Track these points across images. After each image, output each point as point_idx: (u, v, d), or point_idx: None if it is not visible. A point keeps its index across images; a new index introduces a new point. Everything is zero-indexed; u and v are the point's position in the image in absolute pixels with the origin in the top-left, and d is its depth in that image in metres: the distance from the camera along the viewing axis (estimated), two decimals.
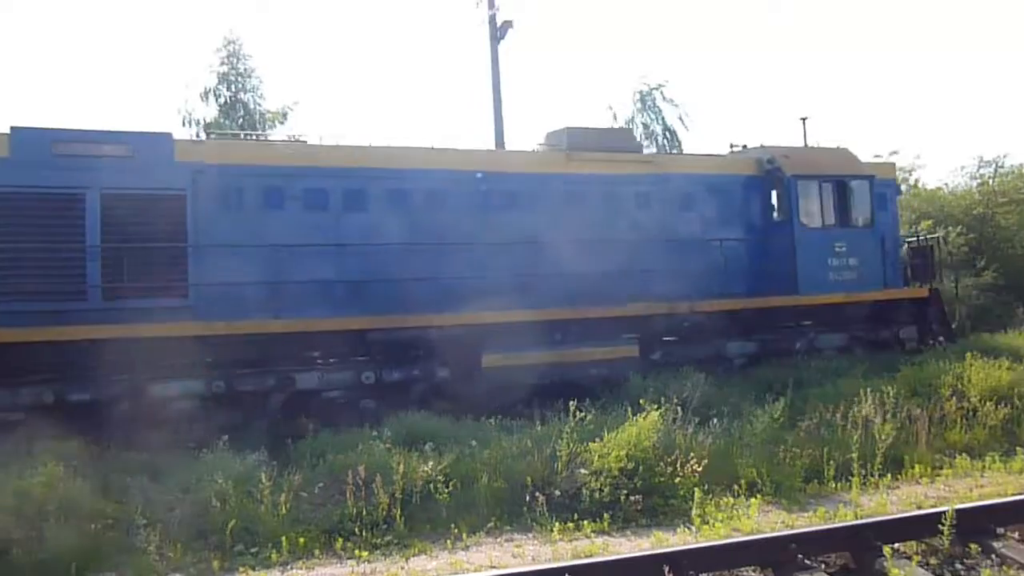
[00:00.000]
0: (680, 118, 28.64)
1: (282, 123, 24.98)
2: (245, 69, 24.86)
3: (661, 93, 28.65)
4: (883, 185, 14.97)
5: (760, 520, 7.06)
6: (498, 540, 6.90)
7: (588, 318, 12.05)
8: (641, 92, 28.62)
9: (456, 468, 7.75)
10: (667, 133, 28.52)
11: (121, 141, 10.65)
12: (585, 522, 7.08)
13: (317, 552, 6.59)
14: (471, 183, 12.29)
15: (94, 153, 10.36)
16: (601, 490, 7.37)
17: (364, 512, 7.01)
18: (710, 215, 13.84)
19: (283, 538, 6.57)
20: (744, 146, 15.19)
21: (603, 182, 13.13)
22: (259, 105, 24.99)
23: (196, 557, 6.45)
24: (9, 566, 6.09)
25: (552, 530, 6.92)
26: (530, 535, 6.99)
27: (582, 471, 7.62)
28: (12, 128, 10.11)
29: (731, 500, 7.43)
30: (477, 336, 11.45)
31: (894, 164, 16.20)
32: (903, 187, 22.96)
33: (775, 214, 14.29)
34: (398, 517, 7.02)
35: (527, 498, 7.39)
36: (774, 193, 14.29)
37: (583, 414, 8.41)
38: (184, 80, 32.19)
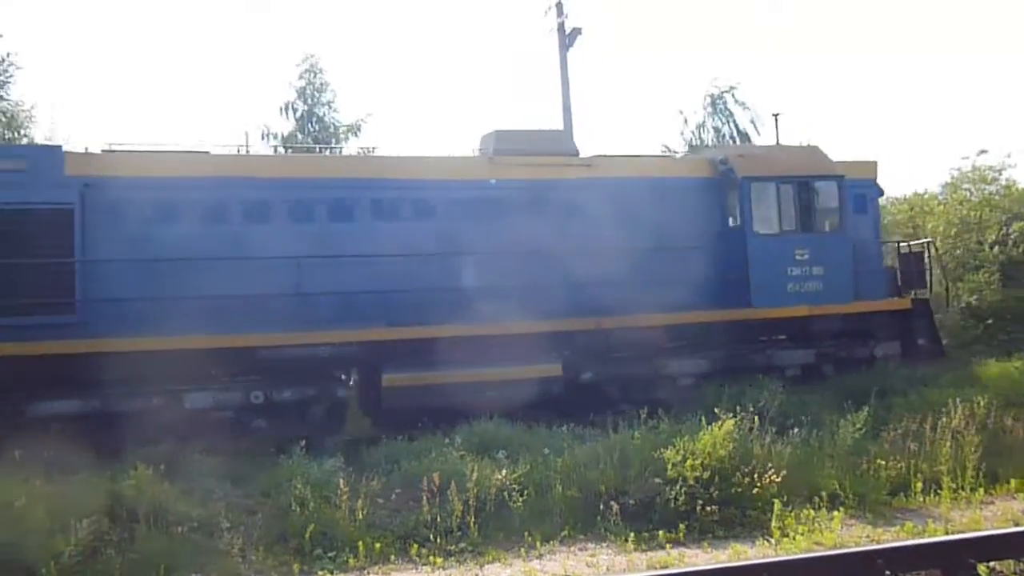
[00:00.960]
0: (752, 121, 28.07)
1: (356, 135, 25.54)
2: (321, 83, 25.54)
3: (732, 95, 28.12)
4: (860, 186, 13.67)
5: (843, 534, 6.83)
6: (572, 549, 6.86)
7: (497, 335, 10.95)
8: (712, 95, 28.15)
9: (530, 476, 7.75)
10: (739, 136, 28.00)
11: (11, 155, 10.73)
12: (660, 532, 6.98)
13: (393, 557, 6.67)
14: (381, 191, 11.62)
15: None
16: (676, 499, 7.25)
17: (438, 519, 7.08)
18: (657, 221, 12.53)
19: (360, 543, 6.67)
20: (699, 146, 14.31)
21: (531, 188, 12.14)
22: (334, 118, 25.62)
23: (277, 560, 6.61)
24: (103, 565, 6.37)
25: (627, 540, 6.85)
26: (604, 544, 6.94)
27: (656, 480, 7.51)
28: None
29: (812, 513, 7.20)
30: (377, 354, 10.85)
31: (875, 163, 14.20)
32: (992, 188, 21.95)
33: (730, 220, 13.03)
34: (472, 524, 7.06)
35: (600, 506, 7.33)
36: (729, 197, 13.01)
37: (658, 422, 8.29)
38: (265, 96, 33.29)
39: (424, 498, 7.17)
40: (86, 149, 11.11)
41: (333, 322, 10.78)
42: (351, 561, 6.55)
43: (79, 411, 9.71)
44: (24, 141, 18.86)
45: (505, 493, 7.44)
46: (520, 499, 7.41)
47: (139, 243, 10.57)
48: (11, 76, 19.82)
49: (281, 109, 25.31)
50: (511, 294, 11.13)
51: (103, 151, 11.14)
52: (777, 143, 14.88)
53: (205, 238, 10.74)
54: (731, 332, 12.42)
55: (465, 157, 12.79)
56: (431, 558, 6.60)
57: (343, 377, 11.19)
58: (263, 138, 24.95)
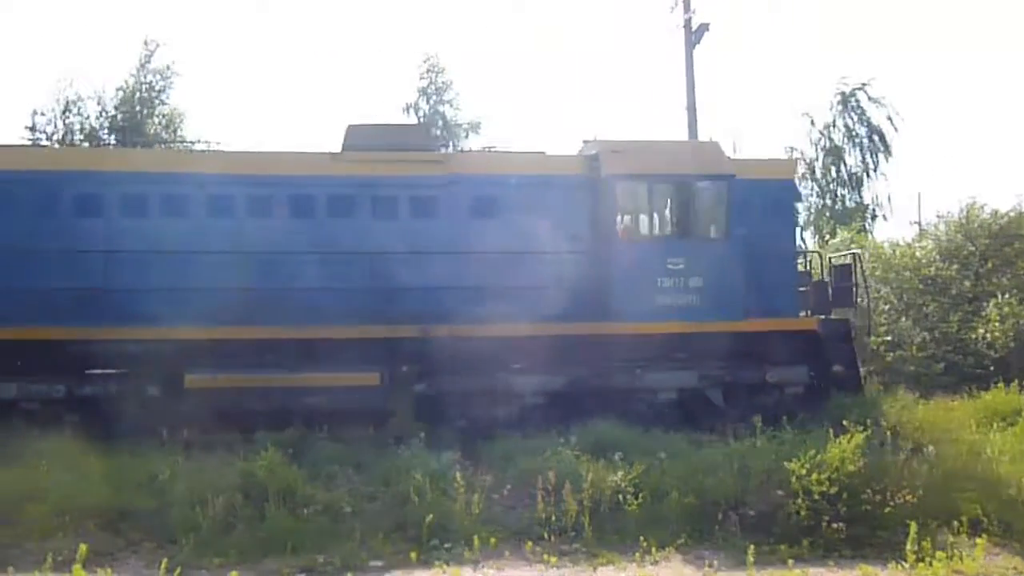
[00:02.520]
0: (889, 118, 26.59)
1: (476, 133, 26.00)
2: (443, 83, 26.13)
3: (865, 92, 26.75)
4: (773, 187, 11.84)
5: (987, 564, 6.38)
6: (688, 557, 6.72)
7: (308, 339, 10.59)
8: (843, 93, 26.86)
9: (645, 480, 7.63)
10: (873, 136, 26.60)
11: None
12: (782, 546, 6.73)
13: (507, 553, 6.72)
14: (217, 187, 11.04)
15: None
16: (799, 513, 6.96)
17: (553, 518, 7.09)
18: (520, 224, 11.17)
19: (475, 537, 6.76)
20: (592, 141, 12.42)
21: (374, 185, 11.25)
22: (455, 117, 26.17)
23: (395, 548, 6.79)
24: (235, 539, 6.74)
25: (746, 552, 6.62)
26: (722, 555, 6.76)
27: (779, 492, 7.24)
28: None
29: (951, 538, 6.74)
30: (182, 354, 10.33)
31: (793, 161, 12.98)
32: None
33: (600, 223, 11.48)
34: (586, 525, 7.02)
35: (719, 516, 7.13)
36: (597, 197, 11.44)
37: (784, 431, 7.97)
38: (389, 98, 34.33)
39: (539, 496, 7.20)
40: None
41: (161, 319, 10.35)
42: (467, 554, 6.64)
43: None
44: (179, 143, 20.27)
45: (620, 496, 7.37)
46: (635, 503, 7.31)
47: (12, 233, 10.60)
48: (172, 83, 21.32)
49: (403, 110, 26.13)
50: (336, 296, 10.74)
51: None
52: (694, 136, 12.96)
53: (33, 230, 10.67)
54: (596, 348, 11.00)
55: (306, 153, 11.92)
56: (545, 556, 6.61)
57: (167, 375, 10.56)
58: None
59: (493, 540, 6.81)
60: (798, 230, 12.75)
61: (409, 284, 10.86)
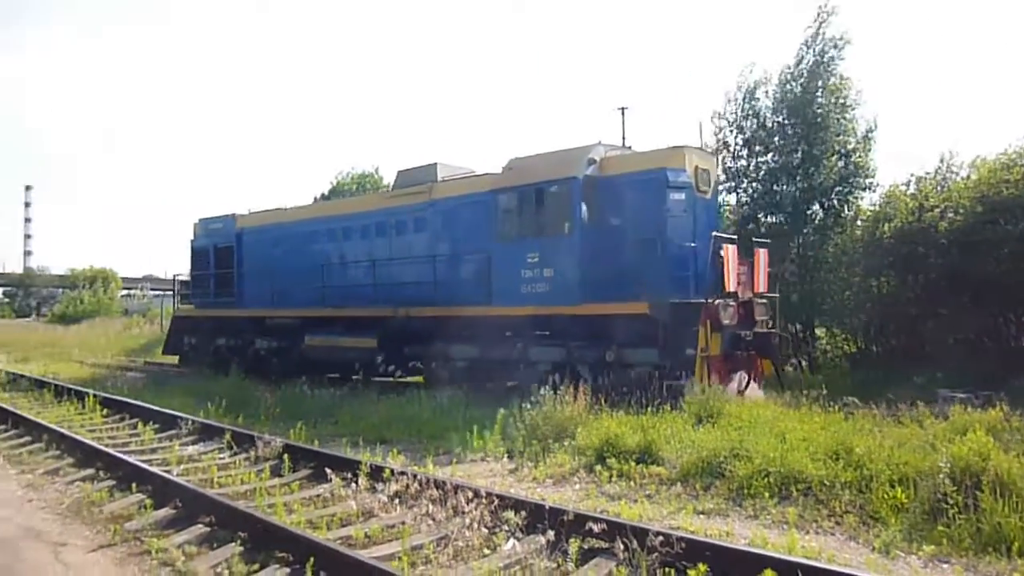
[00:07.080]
0: None
1: None
2: None
3: None
4: (642, 180, 13.07)
5: None
6: None
7: (342, 316, 17.07)
8: None
9: None
10: None
11: (219, 221, 21.59)
12: None
13: None
14: (340, 223, 18.27)
15: (212, 227, 21.74)
16: None
17: None
18: (466, 233, 14.89)
19: None
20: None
21: (395, 213, 16.59)
22: None
23: None
24: (945, 527, 6.11)
25: None
26: None
27: None
28: (199, 220, 22.50)
29: None
30: (304, 324, 18.00)
31: (670, 150, 13.12)
32: None
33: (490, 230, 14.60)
34: None
35: None
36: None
37: None
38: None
39: None
40: (248, 211, 21.71)
41: (304, 303, 18.43)
42: None
43: (228, 344, 20.59)
44: (853, 123, 18.81)
45: None
46: None
47: (260, 260, 20.03)
48: (842, 53, 18.85)
49: None
50: (362, 290, 16.84)
51: (241, 214, 21.36)
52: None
53: (291, 256, 19.09)
54: (491, 326, 13.92)
55: (367, 195, 18.32)
56: None
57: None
58: None
59: None
60: (672, 216, 12.90)
61: (392, 280, 16.21)
